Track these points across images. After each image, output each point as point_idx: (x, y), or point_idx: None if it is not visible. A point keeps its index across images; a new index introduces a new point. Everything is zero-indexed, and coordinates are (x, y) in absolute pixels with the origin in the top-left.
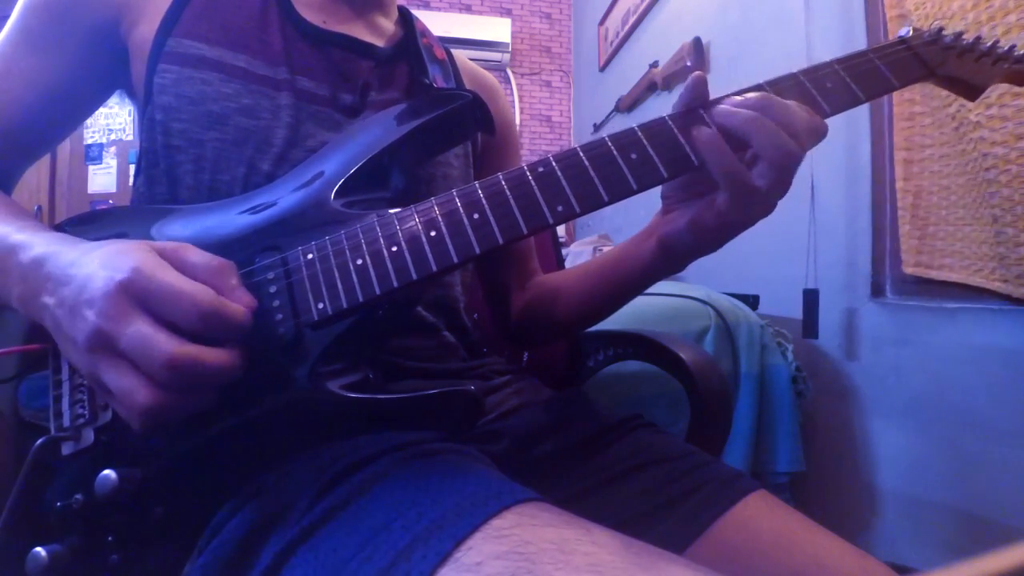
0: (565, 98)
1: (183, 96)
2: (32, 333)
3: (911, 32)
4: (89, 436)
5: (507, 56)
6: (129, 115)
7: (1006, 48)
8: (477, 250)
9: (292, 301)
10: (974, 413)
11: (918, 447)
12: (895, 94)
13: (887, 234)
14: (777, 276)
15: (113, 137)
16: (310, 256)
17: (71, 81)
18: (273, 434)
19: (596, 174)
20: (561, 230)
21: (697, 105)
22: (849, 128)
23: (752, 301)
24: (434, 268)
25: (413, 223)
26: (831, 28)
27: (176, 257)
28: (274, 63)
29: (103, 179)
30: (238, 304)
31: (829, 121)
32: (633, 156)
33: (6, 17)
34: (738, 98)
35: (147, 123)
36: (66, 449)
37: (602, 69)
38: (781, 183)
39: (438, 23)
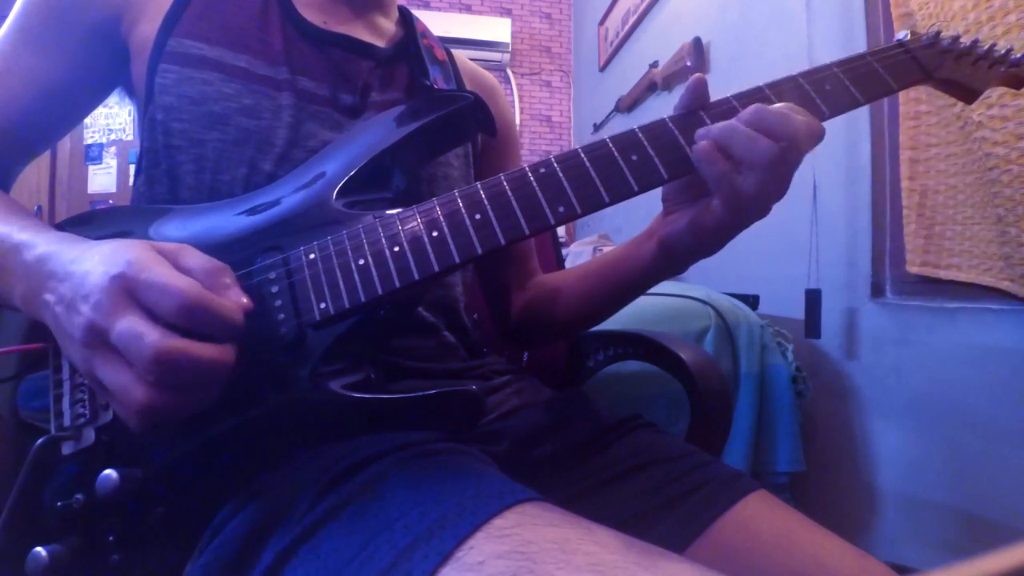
0: (565, 98)
1: (184, 96)
2: (32, 333)
3: (909, 35)
4: (90, 435)
5: (507, 56)
6: (129, 115)
7: (1002, 52)
8: (479, 250)
9: (294, 301)
10: (974, 413)
11: (918, 447)
12: (900, 93)
13: (887, 234)
14: (777, 276)
15: (113, 137)
16: (312, 256)
17: (70, 79)
18: (275, 434)
19: (597, 175)
20: (561, 230)
21: (697, 107)
22: (849, 128)
23: (752, 301)
24: (436, 268)
25: (415, 223)
26: (831, 28)
27: (174, 257)
28: (275, 63)
29: (103, 179)
30: (228, 301)
31: (829, 121)
32: (634, 157)
33: (6, 17)
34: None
35: (148, 123)
36: (67, 449)
37: (602, 69)
38: (774, 186)
39: (438, 23)
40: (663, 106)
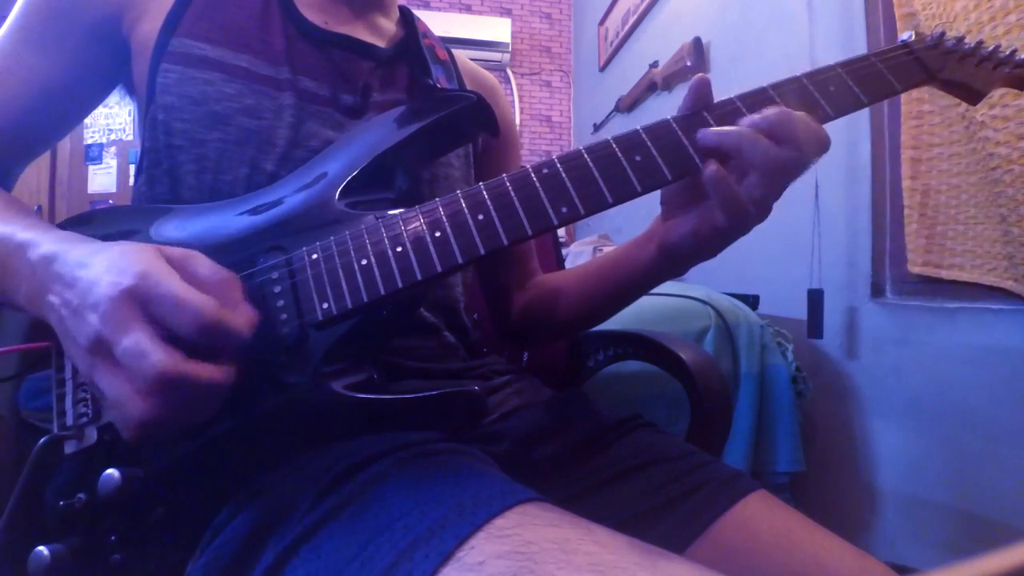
0: (565, 98)
1: (185, 96)
2: (33, 332)
3: (913, 36)
4: (92, 435)
5: (507, 56)
6: (129, 115)
7: (1007, 53)
8: (482, 251)
9: (296, 301)
10: (974, 413)
11: (918, 447)
12: (902, 93)
13: (887, 234)
14: (777, 276)
15: (113, 137)
16: (315, 256)
17: (71, 79)
18: (276, 434)
19: (600, 175)
20: (561, 230)
21: (701, 107)
22: (849, 128)
23: (752, 301)
24: (439, 268)
25: (418, 223)
26: (831, 28)
27: (183, 265)
28: (276, 63)
29: (103, 179)
30: (240, 319)
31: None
32: (637, 158)
33: (6, 17)
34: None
35: (149, 122)
36: (69, 448)
37: (602, 69)
38: (774, 191)
39: (438, 23)
40: (663, 106)
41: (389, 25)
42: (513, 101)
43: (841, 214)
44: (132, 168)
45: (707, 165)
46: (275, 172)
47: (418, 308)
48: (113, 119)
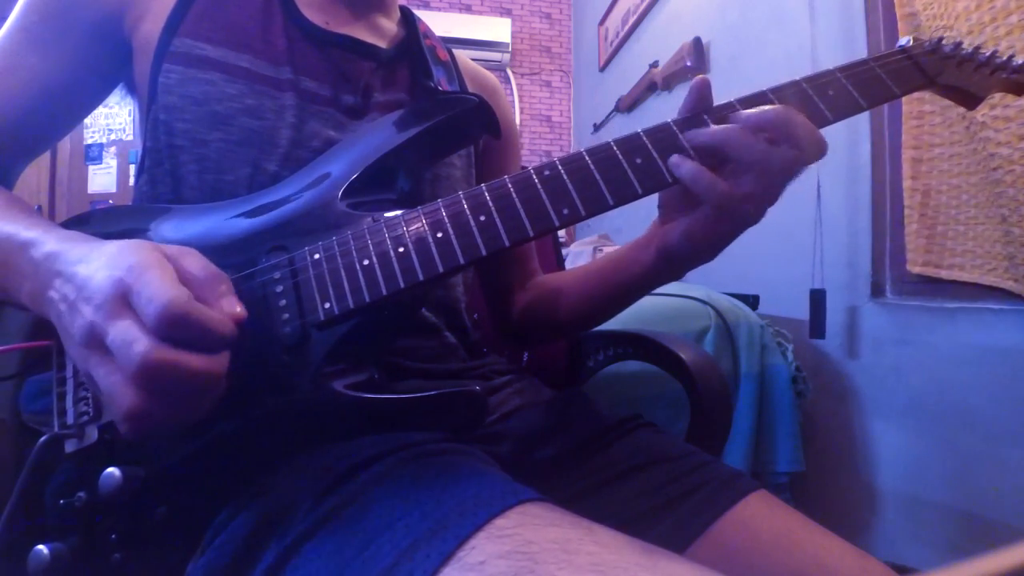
0: (565, 98)
1: (187, 96)
2: (34, 332)
3: (912, 42)
4: (93, 434)
5: (507, 56)
6: (129, 115)
7: (1004, 58)
8: (483, 251)
9: (298, 301)
10: (974, 413)
11: (918, 447)
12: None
13: (887, 234)
14: (777, 276)
15: (113, 137)
16: (317, 256)
17: (71, 78)
18: (277, 434)
19: (601, 177)
20: (562, 231)
21: (702, 109)
22: (849, 128)
23: (752, 301)
24: (440, 269)
25: (420, 224)
26: (831, 28)
27: (176, 261)
28: (277, 63)
29: (103, 179)
30: (218, 313)
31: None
32: (638, 160)
33: (6, 17)
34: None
35: (151, 122)
36: (69, 447)
37: (602, 69)
38: (768, 191)
39: (438, 23)
40: (663, 106)
41: (390, 25)
42: (513, 101)
43: (842, 214)
44: (132, 168)
45: (684, 163)
46: (277, 172)
47: (420, 308)
48: (113, 119)
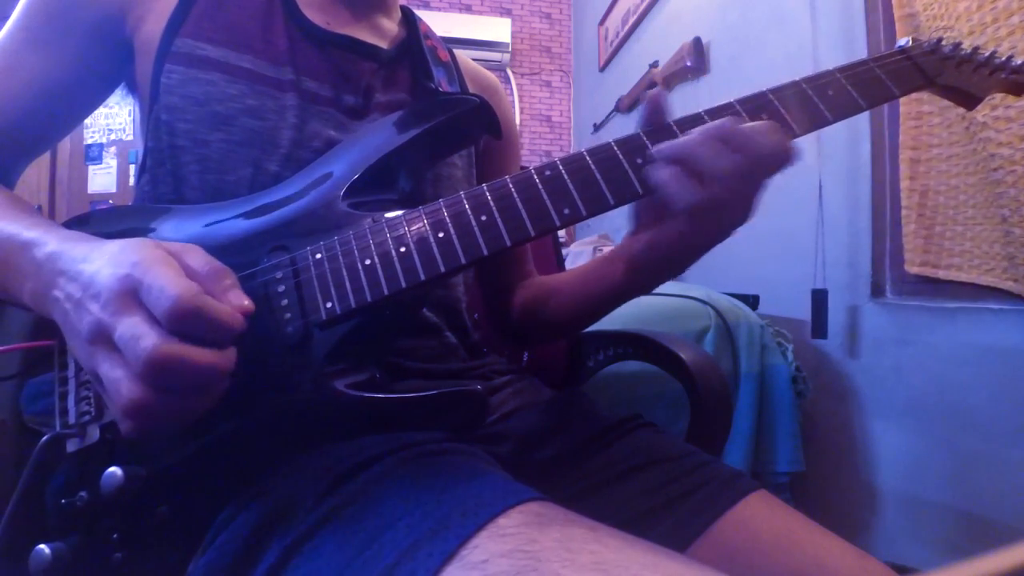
0: (565, 98)
1: (189, 97)
2: (36, 332)
3: (911, 42)
4: (94, 433)
5: (507, 56)
6: (129, 115)
7: (1003, 59)
8: (485, 251)
9: (300, 301)
10: (974, 413)
11: (918, 447)
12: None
13: (887, 234)
14: (778, 276)
15: (113, 137)
16: (318, 256)
17: (72, 78)
18: (279, 433)
19: (602, 178)
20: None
21: (660, 122)
22: (849, 128)
23: (752, 301)
24: (442, 269)
25: (421, 224)
26: (831, 27)
27: (179, 257)
28: (279, 64)
29: (103, 179)
30: (225, 306)
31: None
32: (639, 160)
33: (7, 17)
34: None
35: (153, 122)
36: (71, 446)
37: (602, 69)
38: (731, 203)
39: (438, 23)
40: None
41: (391, 25)
42: (513, 101)
43: (842, 214)
44: (132, 168)
45: (659, 168)
46: (279, 172)
47: (421, 308)
48: (113, 119)
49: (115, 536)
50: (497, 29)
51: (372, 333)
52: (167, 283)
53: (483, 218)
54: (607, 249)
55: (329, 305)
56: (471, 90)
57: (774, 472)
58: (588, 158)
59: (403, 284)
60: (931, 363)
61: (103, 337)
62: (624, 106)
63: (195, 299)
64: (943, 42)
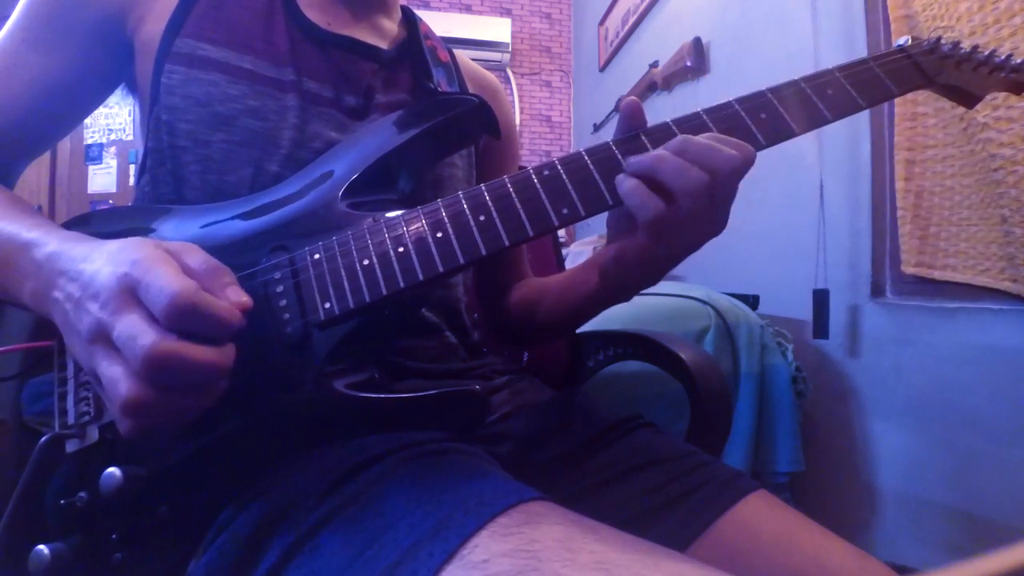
0: (565, 98)
1: (190, 97)
2: (36, 332)
3: (910, 41)
4: (94, 434)
5: (507, 56)
6: (129, 115)
7: (1003, 58)
8: (483, 251)
9: (300, 301)
10: (974, 413)
11: (918, 447)
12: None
13: (887, 234)
14: (778, 276)
15: (113, 137)
16: (317, 256)
17: (73, 78)
18: (279, 433)
19: (601, 178)
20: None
21: (639, 127)
22: (850, 128)
23: (752, 301)
24: (440, 269)
25: (420, 224)
26: (831, 27)
27: (178, 256)
28: (280, 64)
29: (103, 179)
30: (224, 303)
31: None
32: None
33: (7, 17)
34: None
35: (153, 123)
36: (70, 447)
37: (602, 69)
38: (698, 215)
39: (438, 23)
40: (663, 106)
41: (391, 26)
42: (513, 101)
43: (843, 214)
44: (132, 168)
45: (625, 180)
46: (279, 173)
47: (421, 308)
48: (113, 119)
49: (115, 536)
50: (497, 29)
51: (372, 333)
52: (165, 281)
53: (481, 218)
54: None
55: (328, 305)
56: (471, 90)
57: (774, 472)
58: (586, 158)
59: (401, 284)
60: (931, 363)
61: (102, 336)
62: None
63: (193, 295)
64: (942, 41)
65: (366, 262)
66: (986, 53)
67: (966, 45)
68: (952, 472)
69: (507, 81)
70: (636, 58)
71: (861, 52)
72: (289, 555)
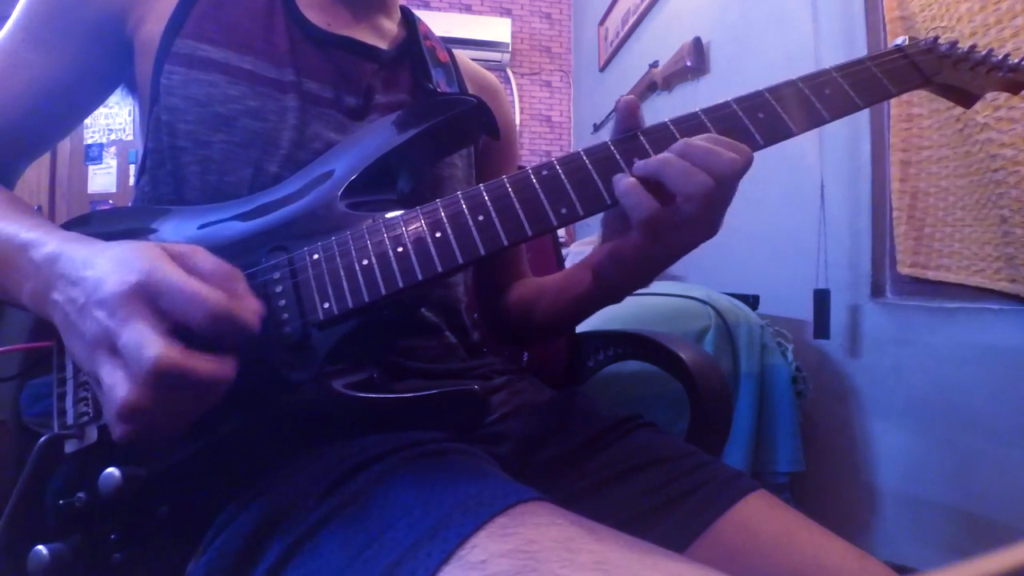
0: (565, 98)
1: (190, 98)
2: (36, 333)
3: (907, 41)
4: (93, 434)
5: (507, 56)
6: (129, 115)
7: (1000, 57)
8: (482, 251)
9: (299, 301)
10: (974, 413)
11: (918, 447)
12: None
13: (887, 234)
14: (778, 276)
15: (113, 137)
16: (316, 256)
17: (73, 78)
18: (279, 433)
19: (599, 177)
20: (562, 231)
21: (635, 127)
22: (850, 128)
23: (752, 301)
24: (439, 269)
25: (418, 224)
26: (831, 27)
27: (185, 260)
28: (280, 65)
29: (103, 179)
30: (247, 310)
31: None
32: (636, 160)
33: (7, 17)
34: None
35: (153, 123)
36: (69, 447)
37: (602, 69)
38: (702, 217)
39: (438, 23)
40: (664, 106)
41: (391, 26)
42: (513, 101)
43: (843, 214)
44: (132, 168)
45: (622, 179)
46: (279, 173)
47: (420, 308)
48: (113, 119)
49: (114, 536)
50: (497, 29)
51: (372, 333)
52: (195, 289)
53: (480, 218)
54: None
55: (326, 306)
56: (470, 90)
57: (774, 472)
58: (585, 158)
59: (400, 285)
60: (931, 363)
61: (107, 344)
62: None
63: (227, 304)
64: (940, 40)
65: (365, 262)
66: (983, 52)
67: (963, 45)
68: (952, 472)
69: (507, 81)
70: (636, 58)
71: (861, 52)
72: (289, 555)
